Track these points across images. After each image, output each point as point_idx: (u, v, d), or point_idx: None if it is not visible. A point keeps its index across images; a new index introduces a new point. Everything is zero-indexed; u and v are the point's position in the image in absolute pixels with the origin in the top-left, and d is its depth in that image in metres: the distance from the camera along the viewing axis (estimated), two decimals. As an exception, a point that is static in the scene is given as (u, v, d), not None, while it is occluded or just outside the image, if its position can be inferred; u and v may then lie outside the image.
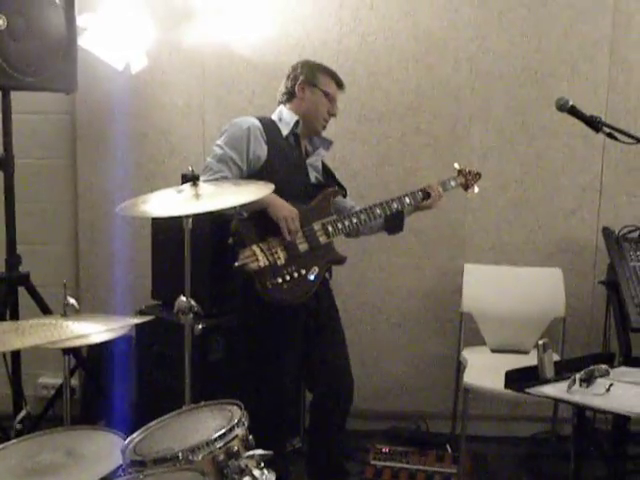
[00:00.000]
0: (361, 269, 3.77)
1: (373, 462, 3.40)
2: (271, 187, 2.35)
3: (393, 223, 3.06)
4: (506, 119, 3.67)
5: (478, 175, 3.24)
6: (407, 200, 2.97)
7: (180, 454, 1.70)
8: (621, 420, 3.10)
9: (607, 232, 3.48)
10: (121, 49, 3.48)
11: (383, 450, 3.49)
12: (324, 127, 2.92)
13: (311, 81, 2.84)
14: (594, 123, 2.29)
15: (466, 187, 3.21)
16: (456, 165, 3.20)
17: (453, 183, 3.15)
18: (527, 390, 2.22)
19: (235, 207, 2.55)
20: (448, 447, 3.58)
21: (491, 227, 3.75)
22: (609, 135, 2.28)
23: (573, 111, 2.32)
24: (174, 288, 2.56)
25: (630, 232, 3.45)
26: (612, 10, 3.57)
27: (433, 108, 3.68)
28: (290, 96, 2.87)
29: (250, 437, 1.81)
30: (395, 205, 2.93)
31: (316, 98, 2.84)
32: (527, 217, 3.73)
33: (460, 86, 3.66)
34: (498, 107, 3.67)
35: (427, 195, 3.02)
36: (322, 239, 2.78)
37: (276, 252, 2.66)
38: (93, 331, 1.95)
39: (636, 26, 3.57)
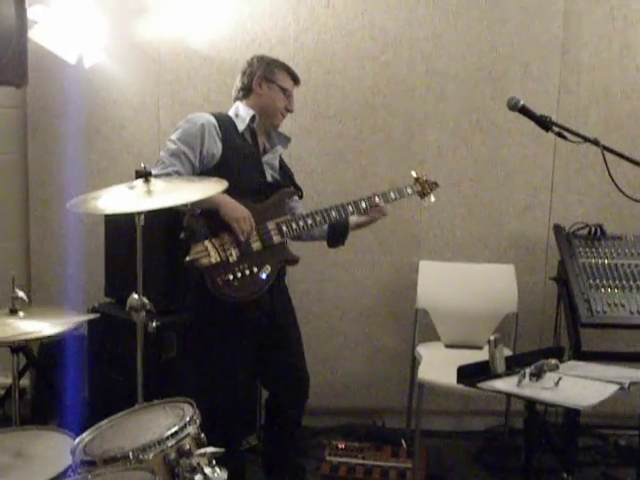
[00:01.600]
0: (317, 266, 3.77)
1: (329, 458, 3.39)
2: (224, 184, 2.33)
3: (336, 234, 3.03)
4: (460, 118, 3.71)
5: (435, 184, 3.21)
6: (363, 205, 2.94)
7: (130, 453, 1.68)
8: (572, 413, 3.17)
9: (558, 229, 3.54)
10: (74, 43, 3.42)
11: (339, 446, 3.48)
12: (282, 121, 2.91)
13: (268, 77, 2.82)
14: (544, 122, 2.32)
15: (422, 195, 3.17)
16: (413, 173, 3.16)
17: (409, 190, 3.11)
18: (478, 385, 2.25)
19: (186, 205, 2.53)
20: (403, 442, 3.59)
21: (446, 224, 3.79)
22: (558, 134, 2.31)
23: (524, 110, 2.35)
24: (127, 285, 2.53)
25: (580, 229, 3.52)
26: (563, 12, 3.63)
27: (389, 106, 3.70)
28: (247, 92, 2.85)
29: (202, 435, 1.80)
30: (350, 208, 2.91)
31: (273, 94, 2.83)
32: (481, 214, 3.78)
33: (415, 85, 3.69)
34: (453, 106, 3.71)
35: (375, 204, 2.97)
36: (276, 238, 2.76)
37: (228, 249, 2.64)
38: (40, 328, 1.92)
39: (586, 27, 3.65)
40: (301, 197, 3.00)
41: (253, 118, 2.80)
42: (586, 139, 2.25)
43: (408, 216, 3.76)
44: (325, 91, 3.70)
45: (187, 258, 2.58)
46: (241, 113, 2.81)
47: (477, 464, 3.56)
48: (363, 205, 2.95)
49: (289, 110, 2.89)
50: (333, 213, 2.88)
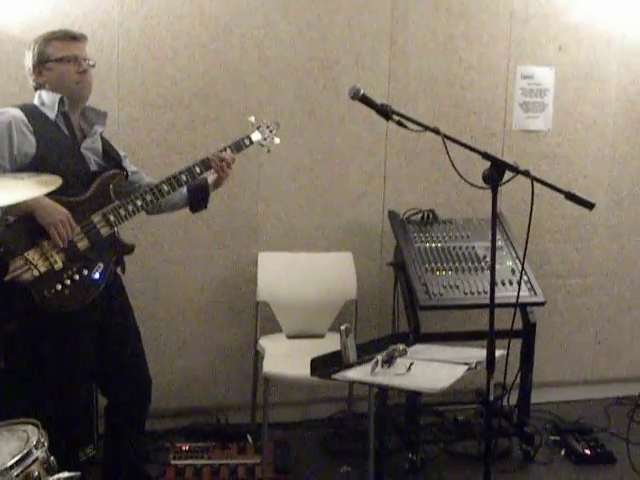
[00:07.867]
0: (151, 263, 3.61)
1: (174, 462, 3.26)
2: (58, 181, 2.13)
3: (197, 199, 2.92)
4: (294, 107, 3.69)
5: (277, 125, 3.09)
6: (197, 170, 2.79)
7: (-30, 488, 1.49)
8: (412, 394, 3.27)
9: (393, 215, 3.64)
10: None
11: (183, 448, 3.37)
12: (87, 87, 2.65)
13: (40, 60, 2.60)
14: (385, 111, 2.32)
15: (264, 142, 3.04)
16: (251, 119, 3.02)
17: (247, 141, 2.96)
18: (333, 376, 2.24)
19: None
20: (249, 437, 3.56)
21: (283, 214, 3.77)
22: (399, 123, 2.33)
23: (365, 99, 2.34)
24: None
25: (413, 215, 3.65)
26: (391, 4, 3.72)
27: (221, 95, 3.61)
28: (38, 84, 2.64)
29: (52, 459, 1.63)
30: (184, 177, 2.75)
31: (56, 71, 2.59)
32: (317, 203, 3.80)
33: (248, 73, 3.62)
34: (286, 95, 3.68)
35: (209, 166, 2.84)
36: (104, 231, 2.57)
37: (51, 256, 2.43)
38: None
39: (412, 20, 3.76)
40: (127, 177, 2.79)
41: (62, 101, 2.57)
42: (427, 128, 2.27)
43: (244, 207, 3.70)
44: (154, 79, 3.52)
45: (7, 277, 2.34)
46: (46, 100, 2.59)
47: (324, 452, 3.59)
48: (197, 170, 2.79)
49: (82, 71, 2.62)
50: (165, 187, 2.71)
